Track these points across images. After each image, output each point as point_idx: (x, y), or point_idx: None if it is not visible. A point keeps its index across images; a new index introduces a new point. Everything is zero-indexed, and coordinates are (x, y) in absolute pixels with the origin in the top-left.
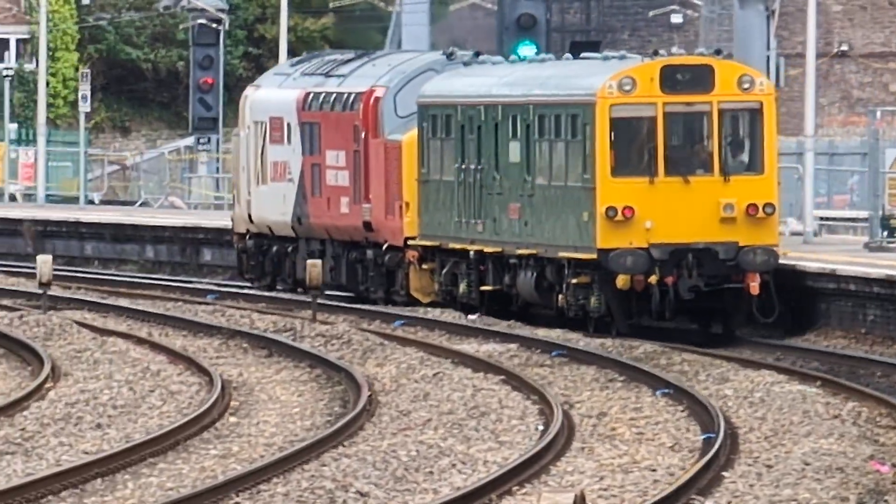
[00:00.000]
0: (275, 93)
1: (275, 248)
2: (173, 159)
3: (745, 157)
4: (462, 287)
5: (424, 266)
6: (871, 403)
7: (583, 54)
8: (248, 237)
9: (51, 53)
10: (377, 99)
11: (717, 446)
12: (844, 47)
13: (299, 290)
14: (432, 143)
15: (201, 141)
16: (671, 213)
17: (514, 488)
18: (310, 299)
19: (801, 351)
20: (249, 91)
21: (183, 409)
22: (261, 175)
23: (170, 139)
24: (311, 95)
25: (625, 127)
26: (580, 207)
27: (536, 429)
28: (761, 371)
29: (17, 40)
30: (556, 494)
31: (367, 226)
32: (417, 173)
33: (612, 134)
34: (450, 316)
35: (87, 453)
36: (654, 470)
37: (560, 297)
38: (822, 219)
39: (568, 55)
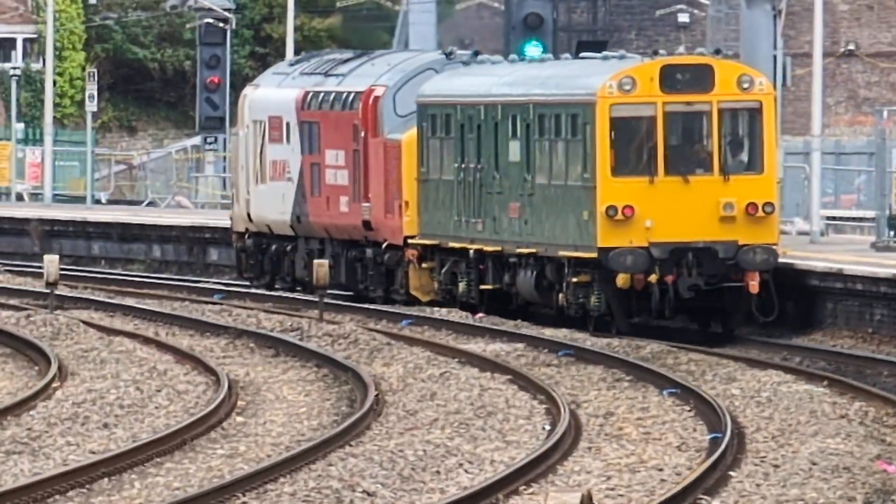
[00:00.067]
0: (274, 92)
1: (274, 247)
2: (180, 159)
3: (744, 157)
4: (462, 286)
5: (424, 265)
6: (878, 403)
7: (582, 54)
8: (246, 236)
9: (58, 53)
10: (376, 98)
11: (723, 446)
12: (851, 47)
13: (298, 288)
14: (432, 142)
15: (208, 140)
16: (671, 212)
17: (521, 488)
18: (316, 299)
19: (807, 351)
20: (248, 90)
21: (190, 408)
22: (260, 174)
23: (177, 139)
24: (311, 95)
25: (625, 126)
26: (580, 206)
27: (543, 428)
28: (768, 371)
29: (24, 40)
30: (563, 494)
31: (367, 225)
32: (417, 172)
33: (612, 133)
34: (456, 315)
35: (93, 453)
36: (661, 469)
37: (560, 295)
38: (828, 218)
39: (567, 55)
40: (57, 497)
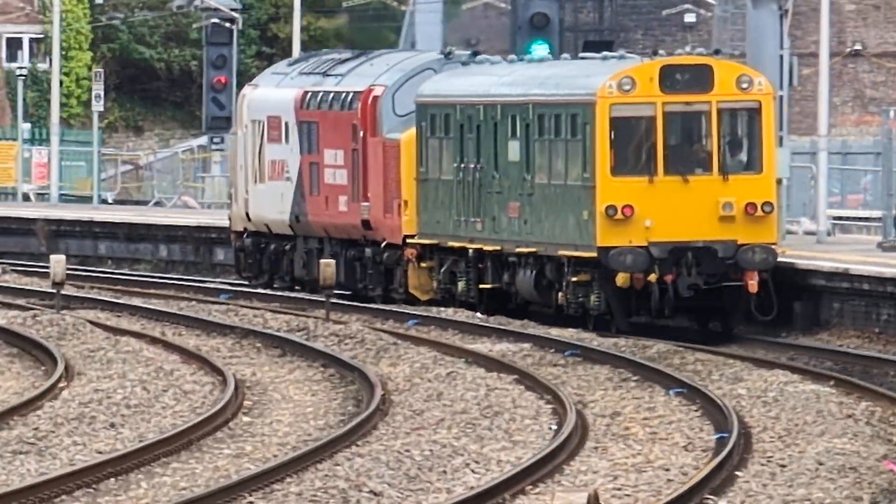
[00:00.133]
0: (272, 92)
1: (272, 247)
2: (186, 159)
3: (743, 157)
4: (461, 285)
5: (423, 264)
6: (885, 403)
7: (581, 54)
8: (245, 235)
9: (64, 53)
10: (375, 98)
11: (730, 446)
12: (858, 46)
13: (297, 288)
14: (431, 142)
15: (214, 140)
16: (670, 211)
17: (528, 488)
18: (322, 298)
19: (814, 351)
20: (247, 90)
21: (196, 408)
22: (258, 174)
23: (183, 138)
24: (309, 94)
25: (624, 126)
26: (580, 206)
27: (550, 428)
28: (775, 370)
29: (31, 40)
30: (570, 494)
31: (366, 224)
32: (416, 172)
33: (612, 133)
34: (463, 315)
35: (100, 453)
36: (667, 469)
37: (559, 294)
38: (835, 218)
39: (566, 55)
40: (63, 497)
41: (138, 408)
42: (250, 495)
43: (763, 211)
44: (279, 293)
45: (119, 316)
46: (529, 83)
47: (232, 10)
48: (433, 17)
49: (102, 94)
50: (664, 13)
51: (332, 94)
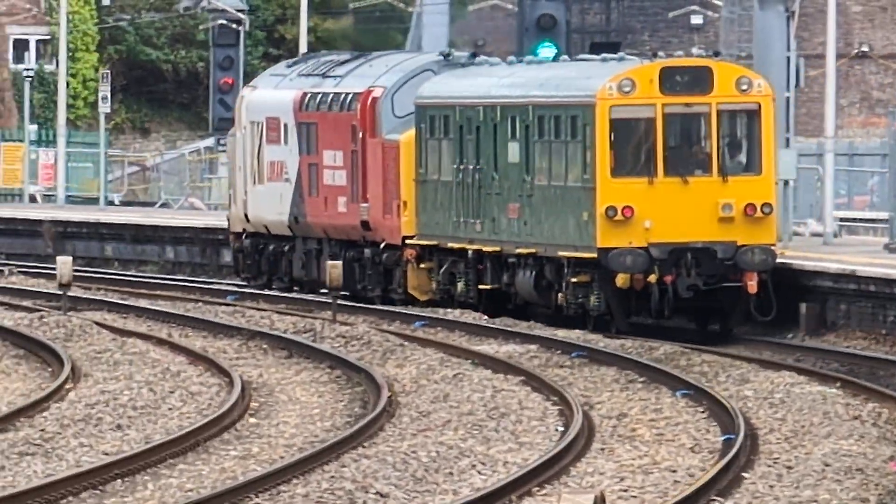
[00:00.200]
0: (271, 93)
1: (271, 248)
2: (193, 160)
3: (743, 158)
4: (460, 286)
5: (422, 265)
6: (892, 404)
7: (579, 56)
8: (244, 236)
9: (71, 54)
10: (374, 99)
11: (737, 447)
12: (864, 48)
13: (295, 288)
14: (430, 143)
15: (221, 142)
16: (670, 212)
17: (534, 489)
18: (329, 300)
19: (821, 352)
20: (246, 91)
21: (203, 409)
22: (257, 175)
23: (190, 140)
24: (308, 96)
25: (624, 128)
26: (580, 207)
27: (556, 430)
28: (781, 372)
29: (37, 41)
30: (576, 495)
31: (365, 225)
32: (415, 173)
33: (612, 135)
34: (469, 317)
35: (107, 454)
36: (674, 471)
37: (559, 295)
38: (841, 220)
39: (565, 57)
40: (70, 498)
41: (145, 409)
42: (257, 497)
43: (762, 212)
44: (285, 294)
45: (126, 317)
46: (529, 85)
47: (239, 11)
48: (440, 18)
49: (109, 95)
50: (671, 15)
51: (331, 96)
